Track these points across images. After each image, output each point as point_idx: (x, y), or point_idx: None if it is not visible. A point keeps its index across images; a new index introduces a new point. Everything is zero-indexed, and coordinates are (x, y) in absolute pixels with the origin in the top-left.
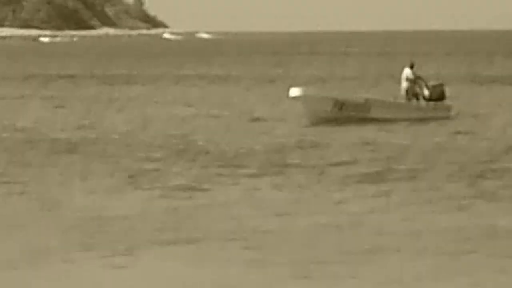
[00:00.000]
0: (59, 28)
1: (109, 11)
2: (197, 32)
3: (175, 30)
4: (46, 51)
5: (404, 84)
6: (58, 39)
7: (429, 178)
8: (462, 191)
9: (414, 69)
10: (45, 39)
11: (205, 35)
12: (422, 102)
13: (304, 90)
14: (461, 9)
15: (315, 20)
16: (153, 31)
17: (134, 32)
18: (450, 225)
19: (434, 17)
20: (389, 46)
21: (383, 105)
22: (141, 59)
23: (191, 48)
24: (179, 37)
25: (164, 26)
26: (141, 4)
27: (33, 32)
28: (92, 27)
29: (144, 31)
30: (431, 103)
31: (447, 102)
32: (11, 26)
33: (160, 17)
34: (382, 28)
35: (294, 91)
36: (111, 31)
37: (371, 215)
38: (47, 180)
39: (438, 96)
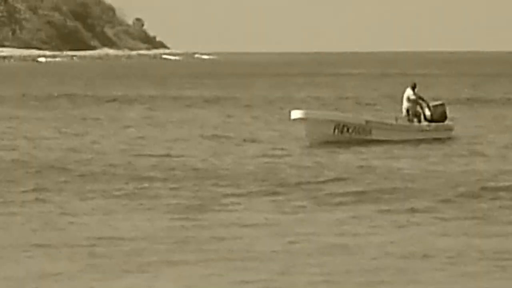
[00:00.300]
0: (59, 48)
1: (109, 31)
2: (196, 52)
3: (173, 51)
4: (43, 71)
5: (406, 104)
6: (57, 59)
7: (427, 199)
8: (460, 212)
9: (416, 89)
10: (42, 59)
11: (204, 56)
12: (424, 123)
13: (305, 112)
14: (467, 31)
15: (313, 41)
16: (153, 52)
17: (134, 53)
18: (450, 246)
19: (436, 38)
20: (389, 68)
21: (384, 127)
22: (139, 79)
23: (189, 69)
24: (177, 58)
25: (164, 46)
26: (141, 25)
27: (33, 52)
28: (92, 48)
29: (144, 52)
30: (433, 124)
31: (448, 122)
32: (11, 46)
33: (160, 38)
34: (380, 49)
35: (296, 113)
36: (111, 51)
37: (372, 236)
38: (46, 201)
39: (439, 116)
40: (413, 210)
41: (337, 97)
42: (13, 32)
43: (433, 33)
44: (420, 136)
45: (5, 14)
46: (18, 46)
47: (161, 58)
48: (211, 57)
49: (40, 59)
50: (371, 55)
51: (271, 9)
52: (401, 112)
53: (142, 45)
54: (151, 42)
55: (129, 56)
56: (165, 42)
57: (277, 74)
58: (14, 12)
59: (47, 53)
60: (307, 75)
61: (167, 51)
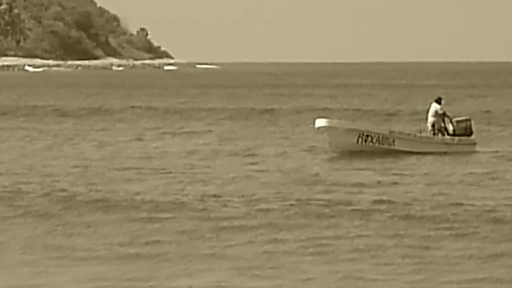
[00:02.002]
0: (63, 58)
1: (113, 41)
2: (198, 63)
3: (174, 61)
4: (23, 81)
5: (431, 119)
6: (62, 68)
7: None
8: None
9: (442, 103)
10: (29, 68)
11: (207, 66)
12: (447, 137)
13: (329, 121)
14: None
15: (313, 51)
16: (156, 62)
17: (137, 62)
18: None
19: (448, 49)
20: (394, 78)
21: (407, 138)
22: (137, 89)
23: (189, 79)
24: (174, 67)
25: (168, 56)
26: (145, 34)
27: (37, 62)
28: (96, 57)
29: (148, 61)
30: (456, 138)
31: (472, 137)
32: (15, 55)
33: (165, 48)
34: (386, 60)
35: (320, 122)
36: (114, 61)
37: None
38: None
39: (462, 131)
40: (429, 229)
41: (348, 108)
42: (17, 41)
43: (432, 44)
44: (443, 149)
45: (9, 23)
46: (22, 56)
47: (154, 67)
48: (213, 67)
49: (27, 68)
50: (371, 66)
51: (275, 19)
52: (425, 125)
53: (146, 55)
54: (155, 52)
55: (133, 66)
56: (169, 52)
57: (281, 85)
58: (18, 22)
59: (51, 62)
60: (320, 86)
61: (168, 61)
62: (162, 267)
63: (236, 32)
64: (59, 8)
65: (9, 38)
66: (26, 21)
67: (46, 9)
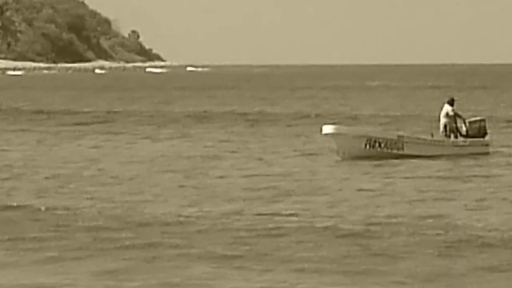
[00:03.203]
0: (54, 60)
1: (105, 44)
2: (189, 65)
3: (165, 64)
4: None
5: (443, 120)
6: (53, 71)
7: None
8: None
9: (455, 105)
10: (14, 72)
11: (198, 69)
12: (460, 138)
13: (336, 128)
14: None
15: (307, 54)
16: (139, 64)
17: (129, 65)
18: None
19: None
20: (405, 80)
21: (416, 142)
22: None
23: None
24: (164, 70)
25: (160, 59)
26: (137, 37)
27: (28, 64)
28: (87, 60)
29: (139, 64)
30: (469, 139)
31: (486, 138)
32: (6, 58)
33: (156, 50)
34: (388, 62)
35: (327, 128)
36: (106, 63)
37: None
38: None
39: (476, 132)
40: (444, 242)
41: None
42: (8, 44)
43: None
44: (455, 151)
45: (0, 26)
46: (13, 59)
47: (136, 70)
48: (205, 69)
49: (8, 72)
50: (371, 68)
51: (268, 21)
52: (438, 128)
53: (137, 58)
54: (146, 55)
55: (125, 68)
56: (161, 55)
57: (279, 87)
58: (9, 24)
59: (42, 65)
60: (327, 88)
61: (152, 63)
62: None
63: (230, 34)
64: (50, 11)
65: (1, 41)
66: (18, 24)
67: (38, 12)
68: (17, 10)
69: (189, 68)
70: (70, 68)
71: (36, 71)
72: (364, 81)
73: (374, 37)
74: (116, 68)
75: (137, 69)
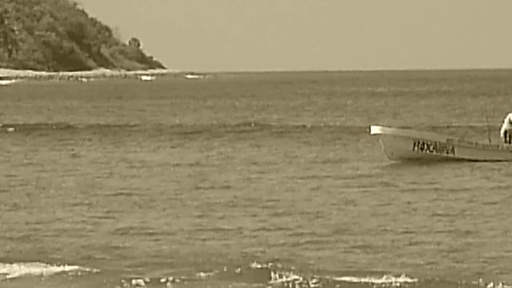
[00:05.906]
0: (55, 69)
1: (105, 51)
2: (189, 72)
3: (166, 71)
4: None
5: (506, 126)
6: (54, 80)
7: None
8: None
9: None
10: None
11: (197, 76)
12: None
13: (384, 128)
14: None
15: (311, 60)
16: (132, 72)
17: (131, 73)
18: None
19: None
20: (408, 86)
21: (467, 146)
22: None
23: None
24: (153, 78)
25: (161, 66)
26: (137, 44)
27: (29, 73)
28: (88, 68)
29: (140, 72)
30: None
31: None
32: (7, 67)
33: (157, 58)
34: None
35: (375, 129)
36: (107, 71)
37: None
38: None
39: None
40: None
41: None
42: (9, 53)
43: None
44: (509, 157)
45: (0, 34)
46: (14, 67)
47: (129, 78)
48: (205, 76)
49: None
50: (371, 74)
51: (271, 28)
52: (499, 134)
53: (138, 65)
54: (147, 62)
55: (126, 76)
56: (162, 62)
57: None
58: (10, 33)
59: (43, 73)
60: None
61: (145, 72)
62: None
63: (231, 41)
64: (51, 19)
65: (1, 49)
66: (18, 32)
67: (38, 20)
68: (17, 19)
69: (189, 76)
70: (70, 77)
71: (24, 80)
72: (371, 87)
73: (374, 42)
74: (116, 76)
75: (138, 77)
